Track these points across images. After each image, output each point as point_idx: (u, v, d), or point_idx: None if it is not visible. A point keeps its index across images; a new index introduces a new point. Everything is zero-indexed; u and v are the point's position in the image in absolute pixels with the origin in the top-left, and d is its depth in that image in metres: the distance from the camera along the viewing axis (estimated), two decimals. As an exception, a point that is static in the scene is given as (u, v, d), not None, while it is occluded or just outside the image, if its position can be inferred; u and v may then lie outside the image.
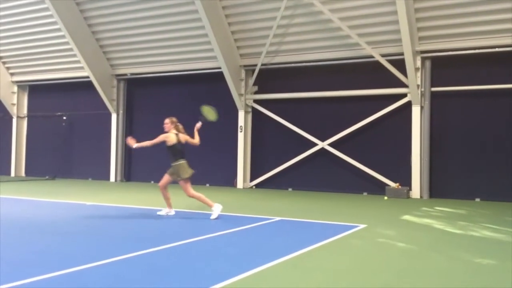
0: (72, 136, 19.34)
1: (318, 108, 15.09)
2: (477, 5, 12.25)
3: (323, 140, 14.73)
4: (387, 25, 13.31)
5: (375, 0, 13.05)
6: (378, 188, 13.87)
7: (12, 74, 20.16)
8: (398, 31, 12.94)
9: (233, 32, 15.31)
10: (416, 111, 13.44)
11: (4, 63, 19.91)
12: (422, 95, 13.46)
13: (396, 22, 12.83)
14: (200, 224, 8.09)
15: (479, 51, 12.72)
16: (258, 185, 15.79)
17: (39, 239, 6.62)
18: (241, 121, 15.83)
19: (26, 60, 19.34)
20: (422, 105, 13.48)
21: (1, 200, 10.91)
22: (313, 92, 14.95)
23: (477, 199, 12.83)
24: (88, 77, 17.68)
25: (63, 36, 17.23)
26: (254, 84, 15.77)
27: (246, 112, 15.91)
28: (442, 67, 13.41)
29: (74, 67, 18.39)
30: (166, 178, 8.79)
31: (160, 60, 17.02)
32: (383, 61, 13.52)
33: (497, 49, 12.55)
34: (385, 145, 14.10)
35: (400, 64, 13.34)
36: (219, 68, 15.43)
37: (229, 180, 16.12)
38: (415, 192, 13.33)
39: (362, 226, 8.00)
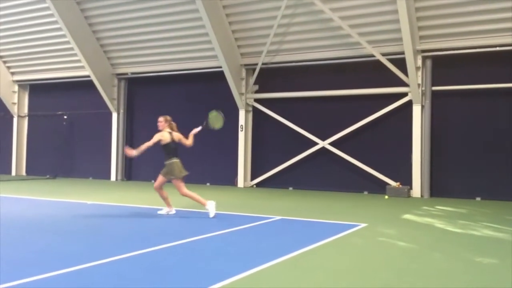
0: (72, 135, 19.36)
1: (319, 107, 15.08)
2: (478, 4, 12.24)
3: (323, 139, 14.73)
4: (388, 24, 13.30)
5: (376, -1, 13.07)
6: (379, 187, 13.86)
7: (13, 73, 20.17)
8: (398, 30, 12.93)
9: (233, 31, 15.30)
10: (416, 110, 13.43)
11: (5, 62, 19.92)
12: (423, 94, 13.45)
13: (397, 21, 12.82)
14: (200, 223, 8.09)
15: (480, 50, 12.71)
16: (258, 184, 15.79)
17: (40, 238, 6.63)
18: (241, 120, 15.82)
19: (26, 60, 19.35)
20: (423, 104, 13.47)
21: (1, 199, 10.92)
22: (313, 91, 14.94)
23: (478, 198, 12.83)
24: (88, 76, 17.69)
25: (63, 36, 17.24)
26: (255, 83, 15.77)
27: (246, 111, 15.91)
28: (443, 66, 13.39)
29: (75, 66, 18.40)
30: (160, 179, 8.78)
31: (160, 59, 17.02)
32: (384, 60, 13.51)
33: (498, 48, 12.54)
34: (385, 144, 14.10)
35: (401, 63, 13.33)
36: (220, 67, 15.43)
37: (229, 179, 16.12)
38: (416, 191, 13.33)
39: (362, 225, 8.00)
